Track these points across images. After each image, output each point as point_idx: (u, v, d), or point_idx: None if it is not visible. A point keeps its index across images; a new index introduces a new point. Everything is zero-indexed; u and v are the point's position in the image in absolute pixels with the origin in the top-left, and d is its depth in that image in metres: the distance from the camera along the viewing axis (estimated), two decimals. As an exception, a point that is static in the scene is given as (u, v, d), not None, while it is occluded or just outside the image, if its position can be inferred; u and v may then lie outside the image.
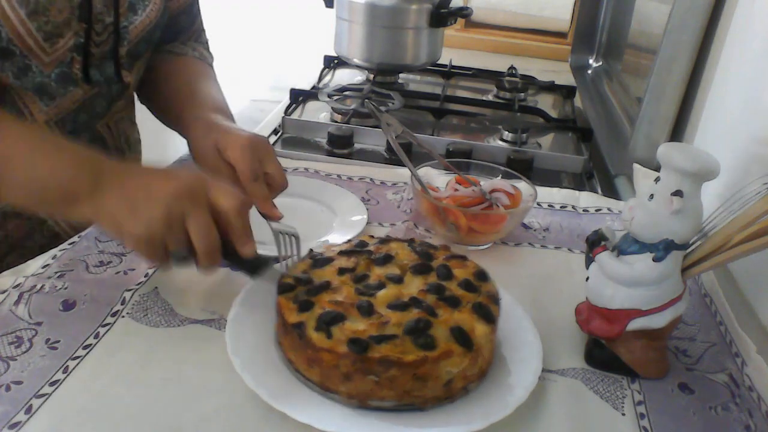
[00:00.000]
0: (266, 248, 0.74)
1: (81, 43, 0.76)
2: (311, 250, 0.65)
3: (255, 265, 0.63)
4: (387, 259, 0.62)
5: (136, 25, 0.81)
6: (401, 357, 0.51)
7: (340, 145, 1.09)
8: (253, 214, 0.71)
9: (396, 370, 0.52)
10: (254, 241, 0.62)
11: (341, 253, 0.63)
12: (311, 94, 1.27)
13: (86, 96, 0.81)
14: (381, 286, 0.58)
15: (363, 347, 0.52)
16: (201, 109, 0.81)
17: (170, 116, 0.88)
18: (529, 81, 1.49)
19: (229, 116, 0.82)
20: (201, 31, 0.99)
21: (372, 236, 0.67)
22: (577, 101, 1.46)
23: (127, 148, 0.93)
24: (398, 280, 0.59)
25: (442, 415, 0.54)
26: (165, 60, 0.92)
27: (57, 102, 0.78)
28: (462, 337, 0.54)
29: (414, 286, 0.59)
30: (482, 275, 0.62)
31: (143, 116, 0.97)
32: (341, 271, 0.60)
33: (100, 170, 0.62)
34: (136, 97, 0.96)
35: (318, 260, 0.62)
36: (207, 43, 1.00)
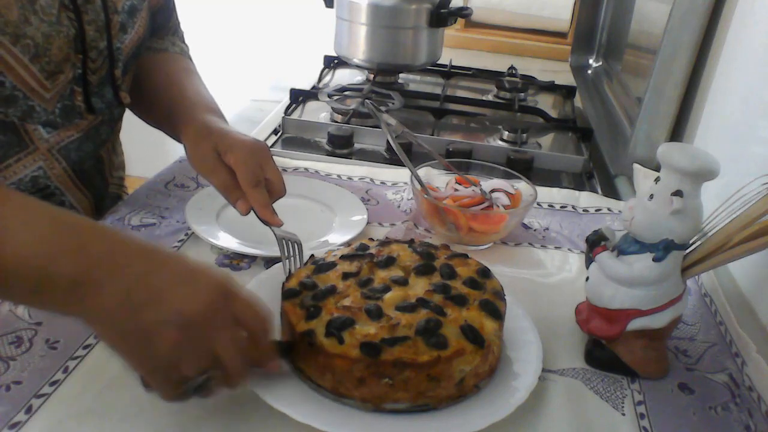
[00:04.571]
0: (265, 249, 0.74)
1: (79, 74, 0.74)
2: (312, 255, 0.65)
3: None
4: (389, 262, 0.62)
5: (127, 43, 0.80)
6: (415, 358, 0.52)
7: (340, 145, 1.09)
8: (251, 219, 0.71)
9: (410, 372, 0.52)
10: (278, 357, 0.54)
11: (343, 257, 0.63)
12: (311, 94, 1.27)
13: (90, 126, 0.79)
14: (387, 288, 0.58)
15: (376, 351, 0.52)
16: (195, 111, 0.80)
17: (158, 116, 0.87)
18: (529, 81, 1.49)
19: (222, 116, 0.82)
20: (177, 25, 0.99)
21: (372, 239, 0.67)
22: (577, 101, 1.47)
23: (115, 157, 0.93)
24: (403, 282, 0.59)
25: (453, 415, 0.54)
26: (145, 57, 0.91)
27: (59, 131, 0.76)
28: (473, 334, 0.54)
29: (419, 286, 0.59)
30: (485, 272, 0.62)
31: (133, 125, 0.96)
32: (345, 276, 0.60)
33: (88, 248, 0.47)
34: None
35: (321, 265, 0.62)
36: (183, 35, 1.00)
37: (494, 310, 0.57)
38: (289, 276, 0.62)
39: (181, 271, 0.48)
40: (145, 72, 0.90)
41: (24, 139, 0.73)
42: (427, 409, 0.54)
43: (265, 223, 0.71)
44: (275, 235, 0.69)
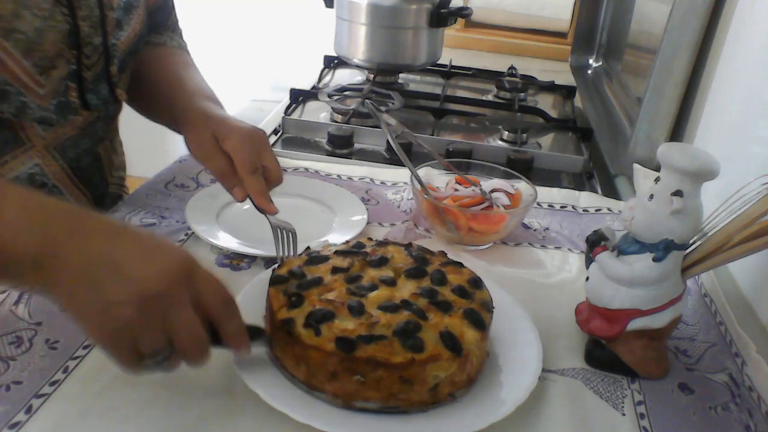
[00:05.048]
0: (265, 249, 0.74)
1: (74, 69, 0.74)
2: (308, 247, 0.66)
3: None
4: (382, 262, 0.62)
5: (123, 40, 0.80)
6: (388, 358, 0.51)
7: (340, 145, 1.08)
8: (251, 219, 0.71)
9: (382, 371, 0.51)
10: (249, 340, 0.53)
11: (337, 253, 0.63)
12: (311, 94, 1.27)
13: (86, 122, 0.79)
14: (373, 287, 0.58)
15: (351, 346, 0.52)
16: (194, 99, 0.80)
17: (158, 107, 0.87)
18: (529, 81, 1.49)
19: (220, 105, 0.82)
20: (176, 23, 0.99)
21: (370, 238, 0.67)
22: (577, 101, 1.46)
23: (115, 157, 0.93)
24: (391, 283, 0.59)
25: (428, 420, 0.53)
26: (143, 51, 0.91)
27: (56, 128, 0.76)
28: (451, 341, 0.53)
29: (407, 289, 0.59)
30: (476, 282, 0.62)
31: (133, 125, 0.97)
32: (335, 270, 0.60)
33: (53, 226, 0.48)
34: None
35: (314, 258, 0.63)
36: (181, 33, 1.00)
37: (478, 320, 0.56)
38: (281, 264, 0.62)
39: (143, 249, 0.49)
40: (143, 65, 0.90)
41: (20, 136, 0.73)
42: (398, 411, 0.53)
43: (261, 210, 0.70)
44: (270, 223, 0.69)
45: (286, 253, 0.69)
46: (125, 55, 0.82)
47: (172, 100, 0.82)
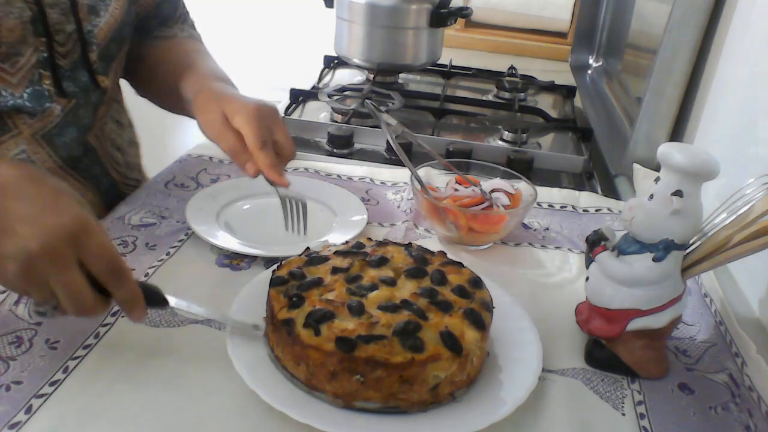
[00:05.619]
0: (265, 249, 0.74)
1: (45, 57, 0.73)
2: (308, 248, 0.66)
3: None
4: (382, 262, 0.62)
5: (102, 27, 0.79)
6: (388, 358, 0.51)
7: (340, 145, 1.09)
8: (251, 219, 0.71)
9: (382, 371, 0.51)
10: (143, 307, 0.54)
11: (337, 253, 0.63)
12: (311, 94, 1.27)
13: (66, 110, 0.79)
14: (373, 287, 0.58)
15: (350, 346, 0.52)
16: (205, 80, 0.80)
17: (173, 97, 0.87)
18: (529, 81, 1.49)
19: (233, 85, 0.82)
20: (185, 14, 0.99)
21: (370, 239, 0.67)
22: (577, 101, 1.46)
23: (119, 154, 0.93)
24: (391, 283, 0.59)
25: (428, 420, 0.53)
26: (155, 45, 0.91)
27: (39, 117, 0.76)
28: (451, 341, 0.53)
29: (407, 289, 0.59)
30: (477, 282, 0.62)
31: (143, 115, 0.97)
32: (335, 271, 0.60)
33: None
34: (134, 92, 0.95)
35: (313, 258, 0.63)
36: (193, 23, 1.00)
37: (478, 319, 0.56)
38: (281, 265, 0.62)
39: (35, 206, 0.50)
40: (155, 60, 0.90)
41: (7, 123, 0.74)
42: (398, 411, 0.53)
43: (272, 184, 0.70)
44: (279, 195, 0.68)
45: (295, 226, 0.67)
46: (107, 42, 0.81)
47: (183, 84, 0.82)
